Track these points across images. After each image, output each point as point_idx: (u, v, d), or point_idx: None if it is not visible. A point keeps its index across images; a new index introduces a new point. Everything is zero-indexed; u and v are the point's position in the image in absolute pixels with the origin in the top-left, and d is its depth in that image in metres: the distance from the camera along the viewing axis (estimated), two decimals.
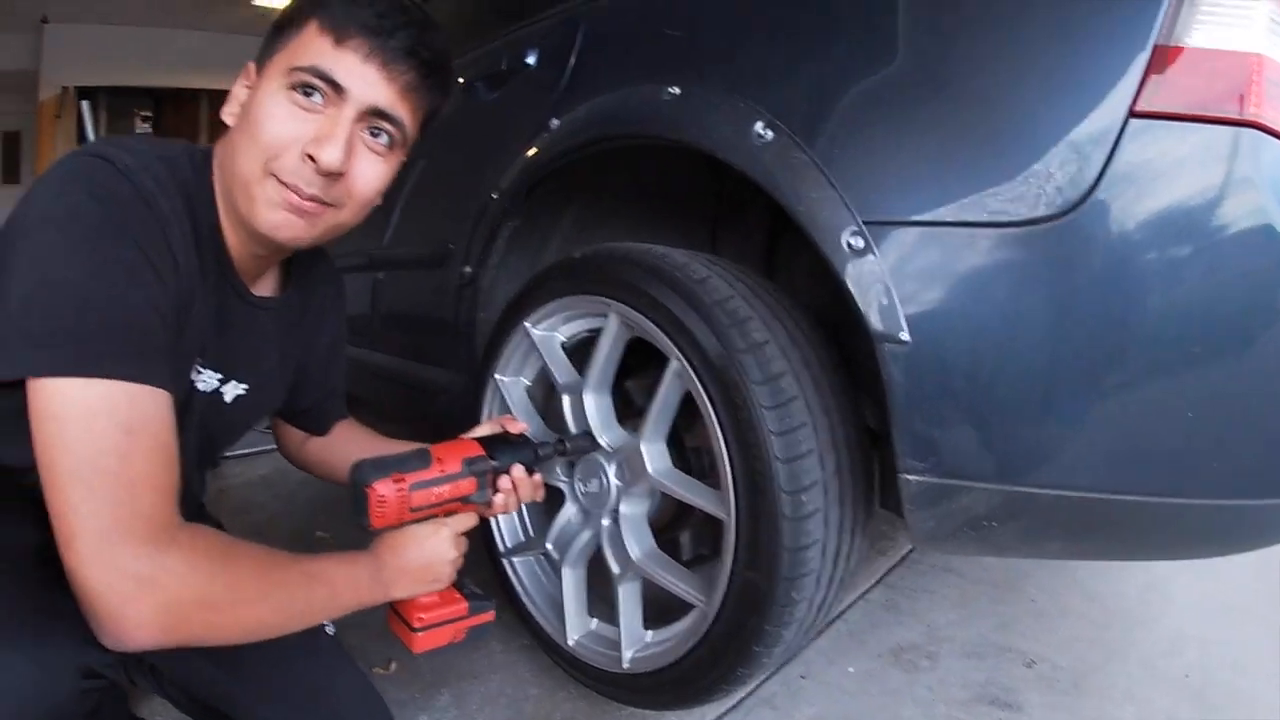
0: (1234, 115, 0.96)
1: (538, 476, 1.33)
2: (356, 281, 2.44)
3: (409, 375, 2.38)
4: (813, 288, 1.50)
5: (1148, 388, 1.04)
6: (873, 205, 1.13)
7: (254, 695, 1.19)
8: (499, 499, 1.26)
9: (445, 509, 1.20)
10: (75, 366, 0.85)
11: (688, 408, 1.35)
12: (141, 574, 0.84)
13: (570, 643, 1.57)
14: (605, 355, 1.45)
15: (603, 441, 1.45)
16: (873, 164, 1.16)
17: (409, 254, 2.37)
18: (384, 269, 2.55)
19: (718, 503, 1.28)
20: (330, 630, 1.28)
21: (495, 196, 1.88)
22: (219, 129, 1.10)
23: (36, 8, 8.74)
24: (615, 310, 1.40)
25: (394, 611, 1.22)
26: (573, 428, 1.50)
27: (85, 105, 5.12)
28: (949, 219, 1.07)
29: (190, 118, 10.65)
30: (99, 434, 0.85)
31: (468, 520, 1.24)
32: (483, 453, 1.24)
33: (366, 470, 1.13)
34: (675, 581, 1.38)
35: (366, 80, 1.04)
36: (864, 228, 1.12)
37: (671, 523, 1.56)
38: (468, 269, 1.97)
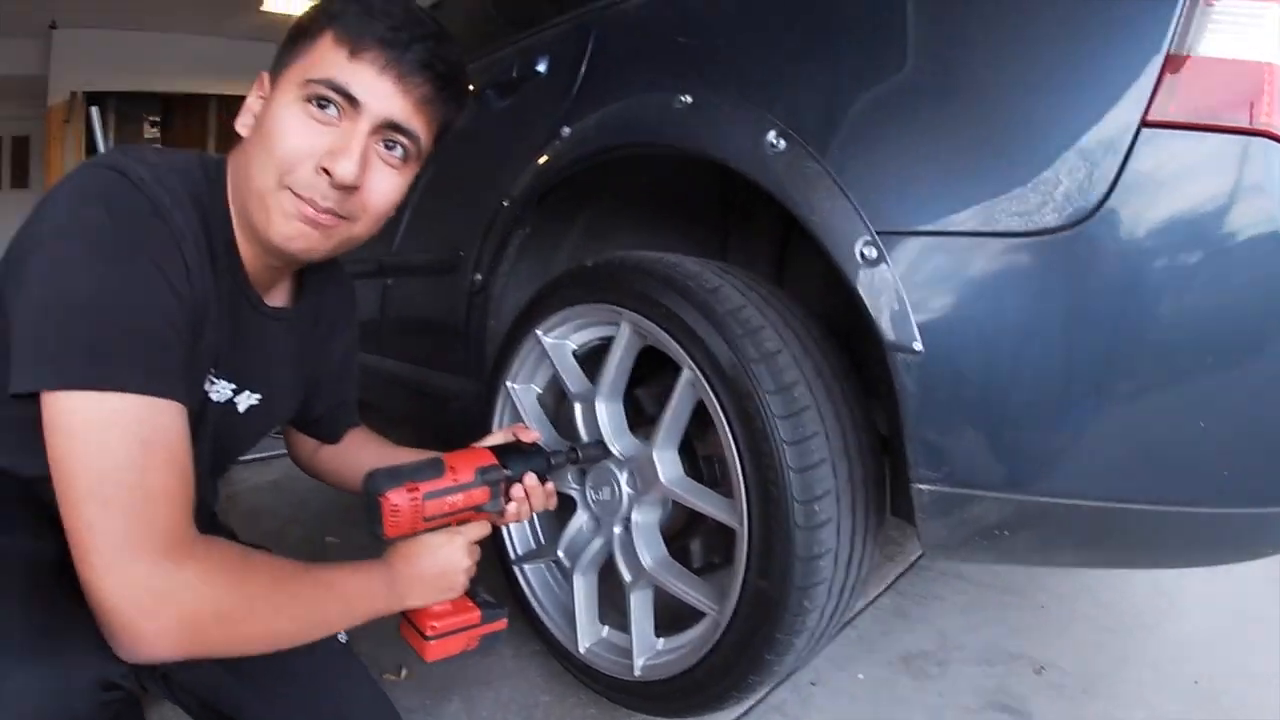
0: (1245, 125, 0.96)
1: (550, 485, 1.32)
2: (366, 287, 2.45)
3: (419, 381, 2.38)
4: (823, 294, 1.51)
5: (1160, 396, 1.04)
6: (886, 215, 1.13)
7: (264, 701, 1.20)
8: (512, 508, 1.26)
9: (458, 518, 1.20)
10: (90, 380, 0.85)
11: (699, 416, 1.35)
12: (158, 588, 0.84)
13: (582, 650, 1.57)
14: (617, 364, 1.45)
15: (615, 450, 1.45)
16: (886, 173, 1.16)
17: (419, 260, 2.37)
18: (393, 275, 2.55)
19: (730, 511, 1.28)
20: (342, 638, 1.28)
21: (506, 204, 1.88)
22: (227, 134, 1.11)
23: (46, 13, 8.77)
24: (627, 319, 1.40)
25: (406, 620, 1.22)
26: (584, 436, 1.51)
27: (95, 111, 5.11)
28: (961, 229, 1.08)
29: (199, 123, 10.68)
30: (114, 448, 0.85)
31: (481, 529, 1.24)
32: (496, 462, 1.23)
33: (380, 479, 1.13)
34: (687, 590, 1.38)
35: (382, 93, 1.03)
36: (877, 238, 1.12)
37: (681, 530, 1.56)
38: (478, 276, 1.97)
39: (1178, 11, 0.97)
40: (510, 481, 1.25)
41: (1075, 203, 1.01)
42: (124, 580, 0.83)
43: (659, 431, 1.38)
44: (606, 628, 1.59)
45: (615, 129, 1.60)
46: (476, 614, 1.24)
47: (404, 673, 1.72)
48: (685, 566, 1.46)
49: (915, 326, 1.09)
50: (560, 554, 1.61)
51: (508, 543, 1.75)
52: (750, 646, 1.27)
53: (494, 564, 1.67)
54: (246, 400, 1.20)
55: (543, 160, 1.78)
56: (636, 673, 1.46)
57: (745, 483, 1.22)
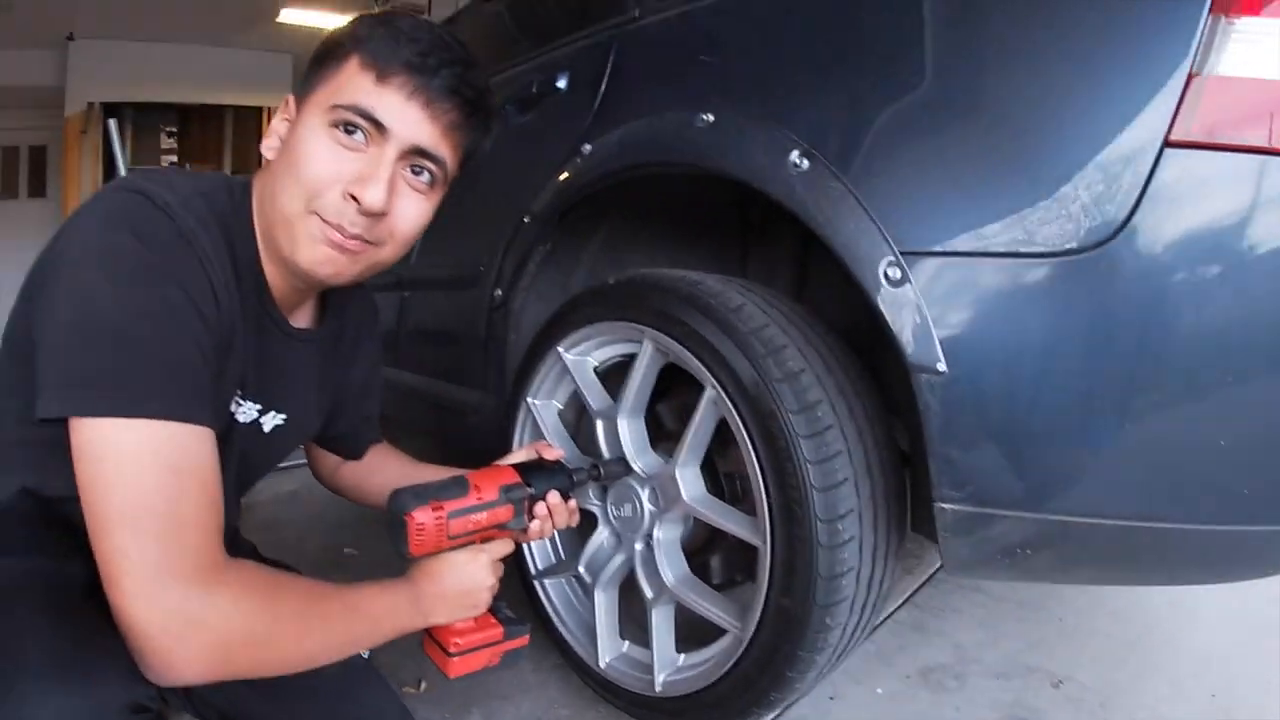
0: (1264, 144, 0.96)
1: (573, 503, 1.33)
2: (382, 300, 2.45)
3: (436, 394, 2.39)
4: (842, 309, 1.51)
5: (1181, 416, 1.05)
6: (909, 235, 1.13)
7: (287, 715, 1.21)
8: (535, 525, 1.26)
9: (482, 536, 1.21)
10: (120, 408, 0.86)
11: (720, 432, 1.36)
12: (190, 614, 0.85)
13: (602, 665, 1.57)
14: (639, 381, 1.46)
15: (637, 467, 1.46)
16: (909, 193, 1.16)
17: (438, 274, 2.37)
18: (412, 289, 2.56)
19: (753, 529, 1.29)
20: (364, 654, 1.29)
21: (528, 220, 1.88)
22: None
23: (63, 25, 8.82)
24: (650, 337, 1.41)
25: (430, 636, 1.23)
26: (606, 452, 1.51)
27: (112, 124, 5.14)
28: (985, 249, 1.08)
29: (215, 134, 10.71)
30: (146, 475, 0.86)
31: (504, 547, 1.24)
32: (519, 480, 1.24)
33: (405, 499, 1.13)
34: (709, 607, 1.38)
35: (409, 120, 1.04)
36: (901, 258, 1.13)
37: (702, 547, 1.56)
38: (499, 292, 1.98)
39: (1199, 31, 0.97)
40: (534, 499, 1.25)
41: (1098, 223, 1.01)
42: (155, 606, 0.84)
43: (681, 449, 1.38)
44: (627, 643, 1.60)
45: (636, 147, 1.60)
46: (499, 630, 1.25)
47: (423, 685, 1.72)
48: (705, 582, 1.47)
49: (939, 347, 1.10)
50: (581, 569, 1.62)
51: (528, 557, 1.76)
52: (772, 663, 1.27)
53: (514, 577, 1.67)
54: (272, 421, 1.21)
55: (564, 177, 1.78)
56: (658, 688, 1.46)
57: (768, 501, 1.23)
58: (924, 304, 1.11)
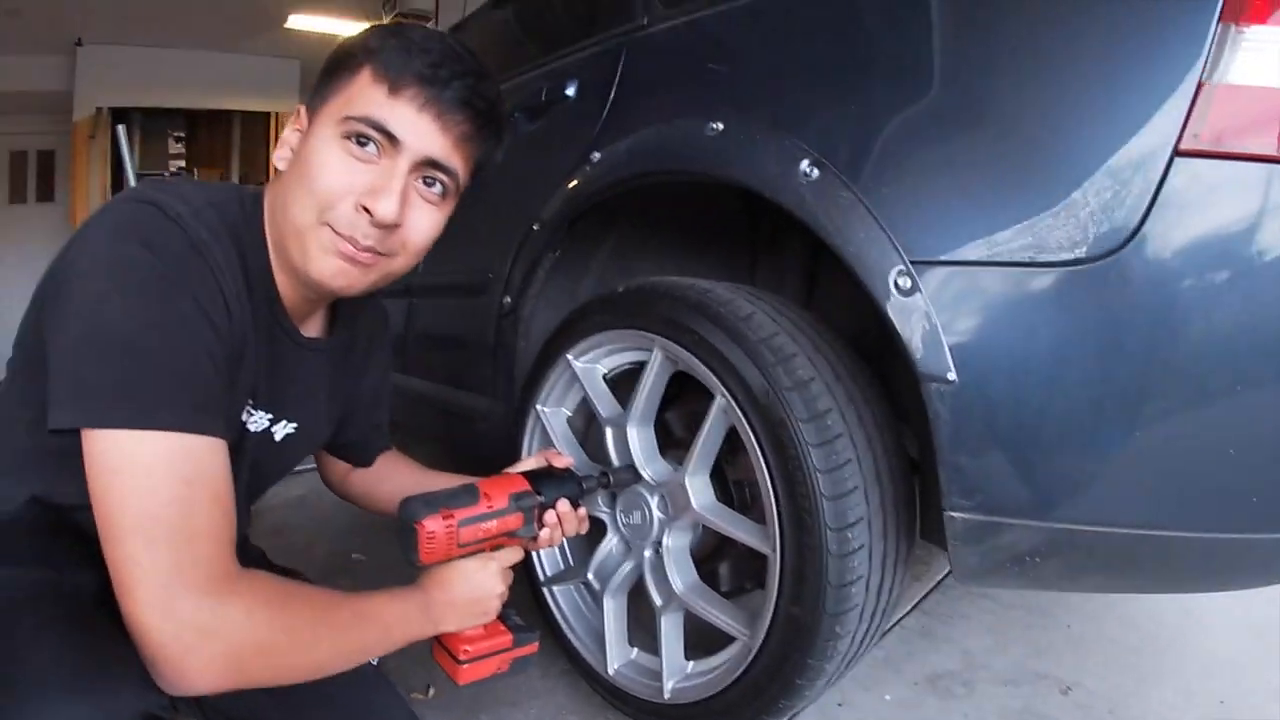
0: (1274, 152, 0.96)
1: (583, 510, 1.33)
2: (391, 306, 2.45)
3: (446, 400, 2.39)
4: (851, 317, 1.51)
5: (1190, 424, 1.05)
6: (919, 244, 1.13)
7: None
8: (545, 533, 1.26)
9: (492, 544, 1.21)
10: (133, 419, 0.86)
11: (729, 439, 1.36)
12: (203, 624, 0.85)
13: (611, 672, 1.58)
14: (649, 389, 1.46)
15: (646, 475, 1.46)
16: (920, 202, 1.16)
17: (447, 281, 2.37)
18: (420, 296, 2.56)
19: (762, 538, 1.29)
20: (373, 661, 1.29)
21: (537, 227, 1.89)
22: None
23: (71, 30, 8.84)
24: (660, 345, 1.41)
25: (439, 643, 1.23)
26: (616, 460, 1.51)
27: (121, 129, 5.15)
28: (995, 259, 1.08)
29: (223, 139, 10.72)
30: (159, 487, 0.86)
31: (514, 555, 1.25)
32: (529, 488, 1.24)
33: (416, 507, 1.14)
34: (718, 615, 1.38)
35: (421, 131, 1.04)
36: (911, 267, 1.13)
37: (710, 554, 1.56)
38: (508, 299, 1.98)
39: (1209, 39, 0.97)
40: (543, 507, 1.26)
41: (1108, 232, 1.01)
42: (169, 617, 0.84)
43: (691, 457, 1.38)
44: (635, 650, 1.60)
45: (646, 155, 1.61)
46: (509, 638, 1.25)
47: (431, 692, 1.72)
48: (714, 590, 1.47)
49: (949, 356, 1.10)
50: (590, 576, 1.62)
51: (537, 564, 1.76)
52: (781, 671, 1.27)
53: (523, 584, 1.68)
54: (283, 429, 1.22)
55: (573, 185, 1.78)
56: (666, 695, 1.46)
57: (778, 510, 1.23)
58: (934, 313, 1.11)
